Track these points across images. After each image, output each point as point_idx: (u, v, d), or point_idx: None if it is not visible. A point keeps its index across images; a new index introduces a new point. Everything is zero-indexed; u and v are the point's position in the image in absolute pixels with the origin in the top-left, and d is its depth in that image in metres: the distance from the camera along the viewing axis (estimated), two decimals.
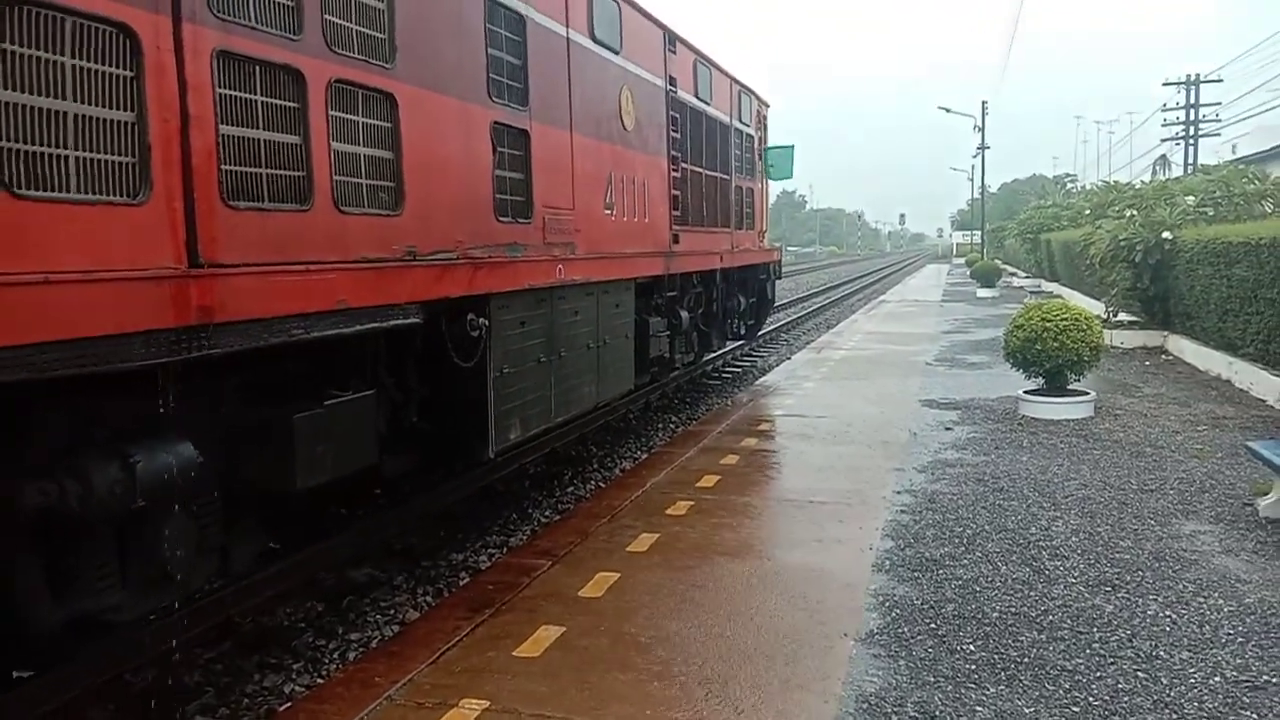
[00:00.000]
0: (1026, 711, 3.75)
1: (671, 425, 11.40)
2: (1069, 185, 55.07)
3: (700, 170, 11.30)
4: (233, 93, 3.99)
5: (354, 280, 4.65)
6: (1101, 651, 4.27)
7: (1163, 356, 14.47)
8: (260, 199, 4.13)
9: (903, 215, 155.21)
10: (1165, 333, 15.09)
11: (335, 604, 5.75)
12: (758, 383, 13.30)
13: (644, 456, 9.38)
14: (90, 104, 3.36)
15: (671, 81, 10.10)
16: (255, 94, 4.12)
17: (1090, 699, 3.84)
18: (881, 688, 3.96)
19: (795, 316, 25.36)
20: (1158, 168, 36.68)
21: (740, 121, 13.50)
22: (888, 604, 4.87)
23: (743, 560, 5.59)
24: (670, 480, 7.43)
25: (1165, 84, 47.10)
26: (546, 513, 7.77)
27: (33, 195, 3.13)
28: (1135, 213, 15.89)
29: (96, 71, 3.38)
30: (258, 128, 4.14)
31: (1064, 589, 5.03)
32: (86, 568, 3.80)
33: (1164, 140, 46.96)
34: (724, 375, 15.09)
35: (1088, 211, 23.42)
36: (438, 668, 4.26)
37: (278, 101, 4.25)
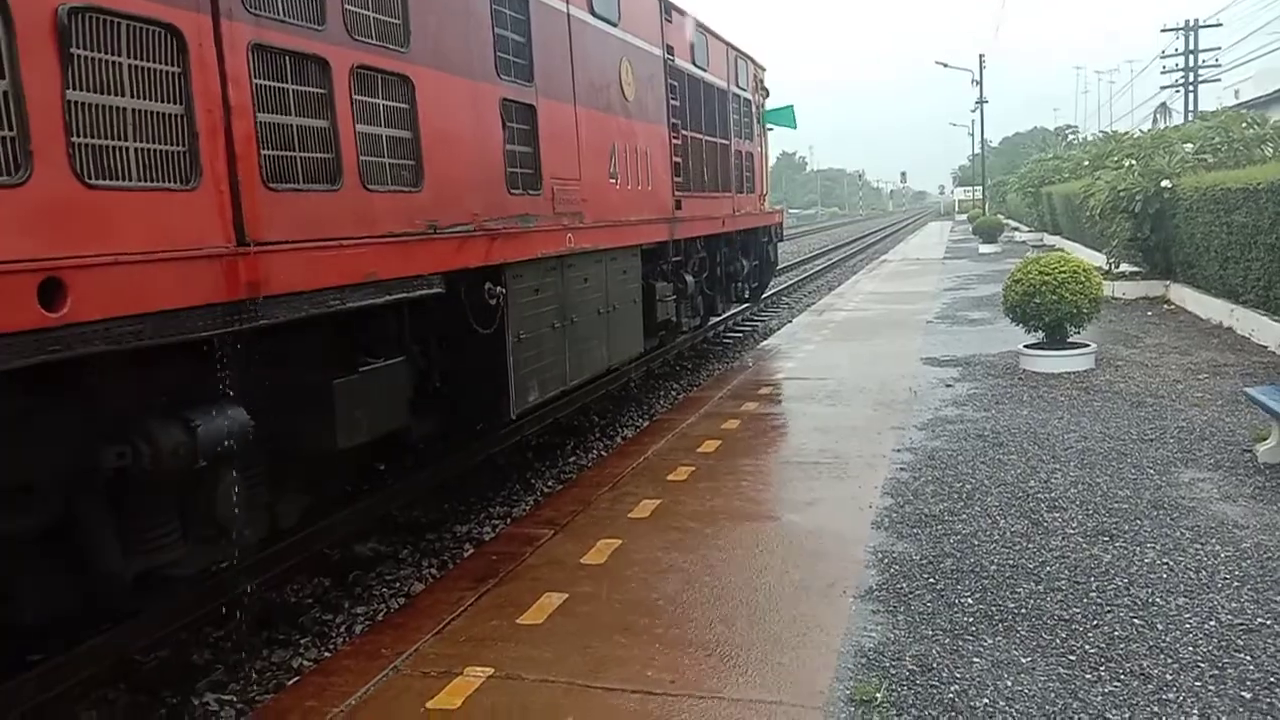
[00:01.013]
0: (1023, 661, 3.80)
1: (673, 392, 11.44)
2: (1070, 137, 54.59)
3: (700, 136, 11.42)
4: (267, 83, 4.27)
5: (382, 254, 4.95)
6: (1098, 600, 4.31)
7: (1165, 306, 14.44)
8: (296, 180, 4.43)
9: (904, 173, 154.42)
10: (1167, 282, 15.04)
11: (342, 579, 5.82)
12: (759, 346, 13.31)
13: (646, 424, 9.43)
14: (146, 99, 3.65)
15: (669, 50, 10.23)
16: (287, 82, 4.40)
17: (1086, 647, 3.88)
18: (880, 642, 4.01)
19: (797, 279, 25.31)
20: (1158, 116, 36.36)
21: (738, 86, 13.57)
22: (886, 560, 4.91)
23: (742, 522, 5.63)
24: (672, 446, 7.47)
25: (1164, 30, 46.60)
26: (549, 483, 7.83)
27: (102, 184, 3.43)
28: (1133, 162, 15.78)
29: (150, 69, 3.68)
30: (290, 114, 4.42)
31: (1062, 540, 5.07)
32: (153, 525, 4.18)
33: (1164, 88, 46.54)
34: (725, 340, 15.11)
35: (1086, 163, 23.26)
36: (442, 638, 4.31)
37: (307, 89, 4.53)
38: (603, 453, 8.63)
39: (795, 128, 18.44)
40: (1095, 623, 4.09)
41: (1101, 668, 3.71)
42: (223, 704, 4.48)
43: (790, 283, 23.94)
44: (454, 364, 6.36)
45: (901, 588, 4.56)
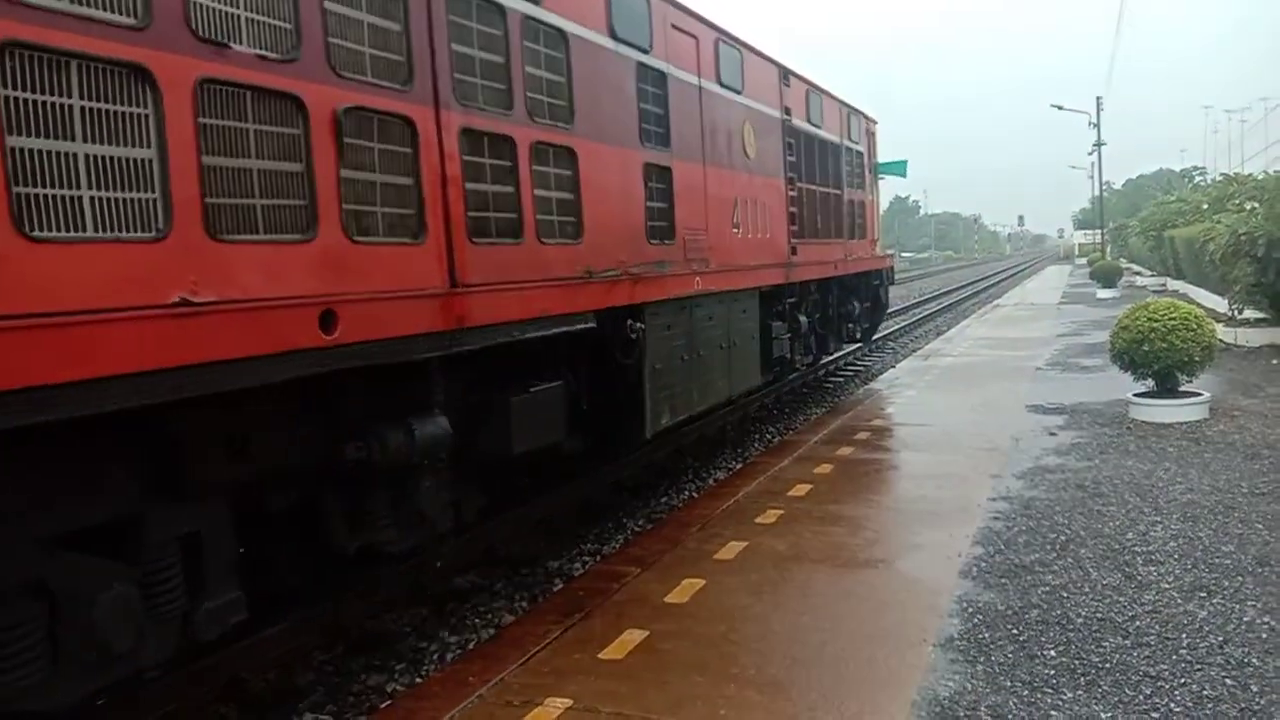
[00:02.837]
0: (1103, 716, 3.73)
1: (768, 435, 11.46)
2: (1197, 179, 52.46)
3: (814, 188, 12.20)
4: (471, 158, 5.25)
5: (551, 295, 5.93)
6: (1189, 658, 4.19)
7: None
8: (491, 236, 5.42)
9: (1021, 217, 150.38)
10: None
11: (439, 609, 6.05)
12: (859, 391, 13.24)
13: (738, 466, 9.48)
14: (390, 174, 4.63)
15: (786, 111, 11.13)
16: (485, 158, 5.40)
17: (1172, 705, 3.79)
18: (956, 692, 3.99)
19: (904, 324, 24.97)
20: None
21: (850, 140, 14.26)
22: (970, 610, 4.86)
23: (826, 567, 5.65)
24: (762, 489, 7.52)
25: None
26: (640, 522, 7.96)
27: (362, 240, 4.41)
28: (1256, 205, 15.15)
29: (393, 151, 4.65)
30: (487, 183, 5.41)
31: (1156, 594, 4.94)
32: (373, 509, 5.04)
33: None
34: (826, 385, 15.06)
35: (1206, 206, 22.37)
36: (527, 669, 4.47)
37: (499, 162, 5.53)
38: (694, 494, 8.72)
39: (905, 177, 18.87)
40: (1183, 680, 3.99)
41: None
42: None
43: (897, 327, 23.63)
44: (599, 389, 7.17)
45: (983, 637, 4.52)
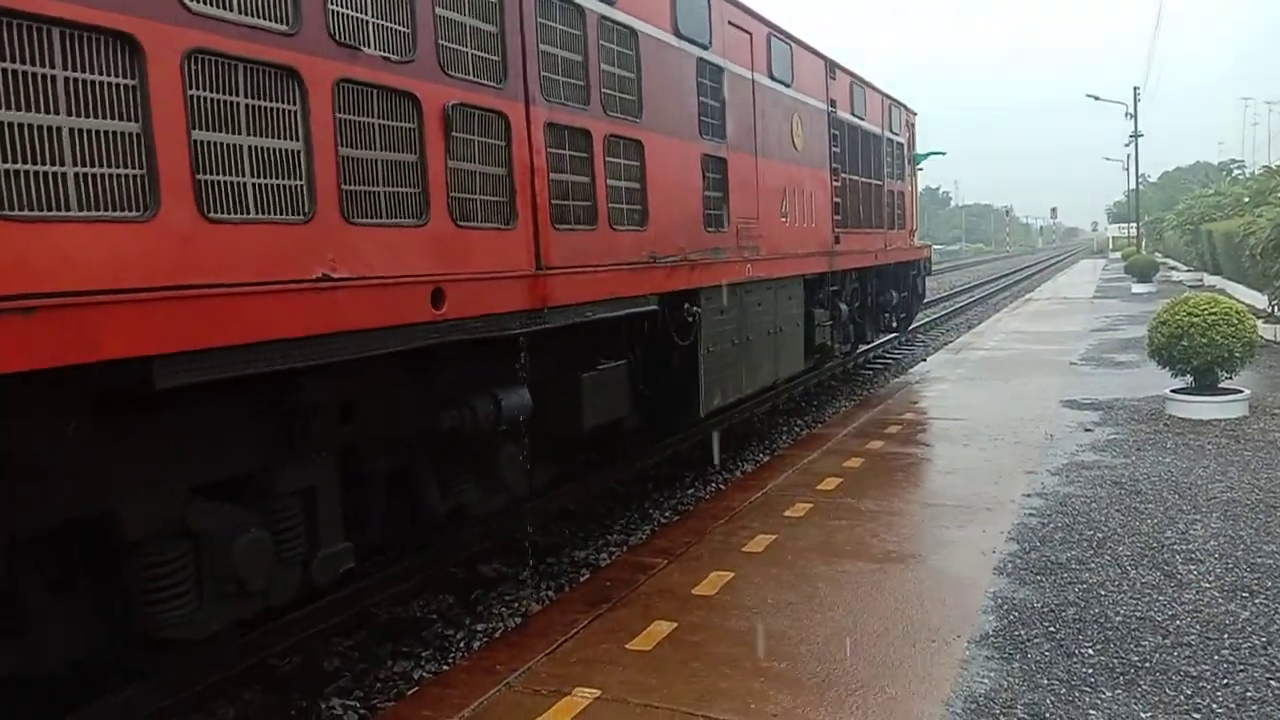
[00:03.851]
0: (1143, 716, 3.65)
1: (797, 428, 11.37)
2: (1235, 172, 51.50)
3: (857, 178, 12.43)
4: (554, 150, 5.63)
5: (620, 278, 6.30)
6: (1231, 658, 4.09)
7: None
8: (571, 223, 5.81)
9: (1054, 209, 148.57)
10: None
11: (465, 597, 6.04)
12: (890, 384, 13.12)
13: (766, 459, 9.42)
14: (487, 165, 5.02)
15: (832, 104, 11.37)
16: (565, 149, 5.78)
17: (1214, 705, 3.70)
18: (992, 689, 3.92)
19: (935, 316, 24.73)
20: None
21: (890, 131, 14.44)
22: (1006, 607, 4.78)
23: (856, 562, 5.58)
24: (791, 482, 7.45)
25: None
26: (666, 513, 7.91)
27: (465, 225, 4.81)
28: None
29: (490, 144, 5.04)
30: (567, 173, 5.78)
31: (1196, 594, 4.83)
32: (459, 474, 5.56)
33: None
34: (856, 378, 14.93)
35: (1246, 199, 21.94)
36: (554, 658, 4.44)
37: (577, 154, 5.91)
38: (721, 486, 8.65)
39: (945, 154, 19.26)
40: (1225, 681, 3.89)
41: None
42: (346, 709, 4.72)
43: (927, 320, 23.39)
44: (657, 369, 7.49)
45: (1019, 635, 4.44)
